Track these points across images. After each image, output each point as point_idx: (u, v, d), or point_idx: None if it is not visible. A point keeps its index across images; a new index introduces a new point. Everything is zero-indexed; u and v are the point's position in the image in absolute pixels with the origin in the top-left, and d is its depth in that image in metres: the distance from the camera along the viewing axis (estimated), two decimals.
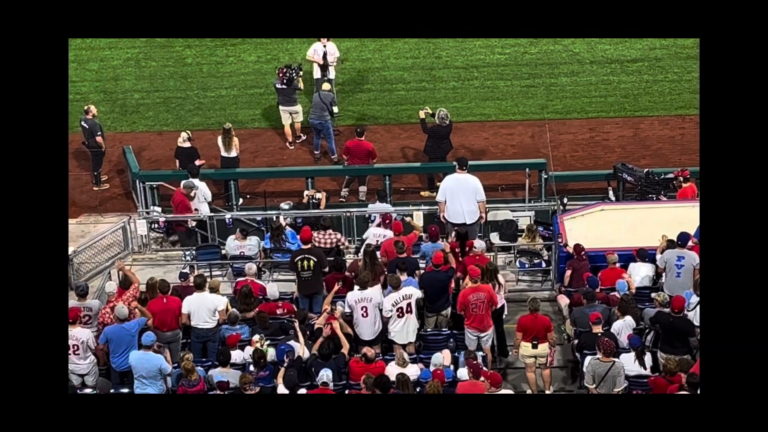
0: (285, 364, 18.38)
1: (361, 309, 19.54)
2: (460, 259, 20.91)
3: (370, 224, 23.08)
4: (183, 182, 23.54)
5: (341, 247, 22.36)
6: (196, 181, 23.59)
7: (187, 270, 21.82)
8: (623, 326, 19.13)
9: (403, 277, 19.87)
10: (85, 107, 25.96)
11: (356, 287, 19.80)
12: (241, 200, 25.13)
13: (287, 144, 27.16)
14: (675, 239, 20.37)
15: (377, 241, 21.77)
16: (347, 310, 19.64)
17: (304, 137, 27.15)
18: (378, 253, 20.90)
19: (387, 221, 22.22)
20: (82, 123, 25.75)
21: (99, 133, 25.58)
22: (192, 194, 23.42)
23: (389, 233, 21.94)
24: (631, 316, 19.26)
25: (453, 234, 21.64)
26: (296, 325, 19.09)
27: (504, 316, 20.46)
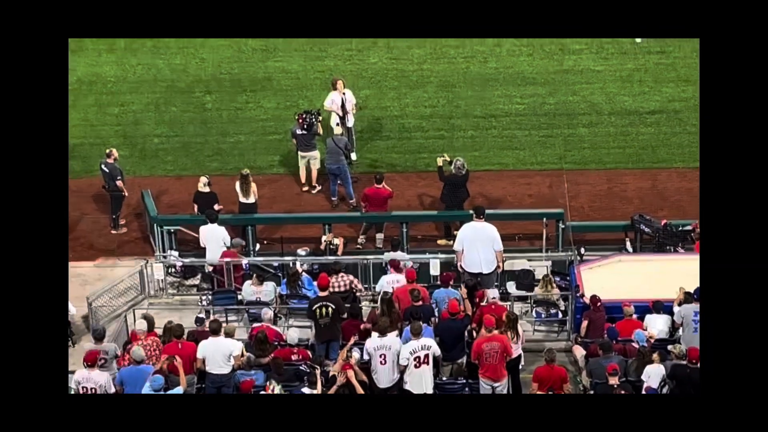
0: None
1: (380, 356, 19.48)
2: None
3: (387, 272, 23.09)
4: (232, 242, 23.66)
5: (356, 292, 22.36)
6: (215, 226, 23.67)
7: (203, 315, 21.87)
8: (656, 372, 19.00)
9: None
10: (107, 150, 26.06)
11: (375, 334, 19.76)
12: (258, 246, 25.16)
13: (301, 189, 27.24)
14: (692, 293, 20.34)
15: (391, 288, 21.76)
16: (365, 357, 19.61)
17: (319, 188, 27.21)
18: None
19: (397, 266, 22.22)
20: (103, 166, 25.86)
21: (119, 177, 25.67)
22: (242, 250, 23.72)
23: (401, 277, 21.97)
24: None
25: (462, 285, 21.60)
26: (317, 372, 19.07)
27: (520, 366, 20.39)
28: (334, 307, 20.76)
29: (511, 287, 23.09)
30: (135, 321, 21.48)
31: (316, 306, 20.80)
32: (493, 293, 21.08)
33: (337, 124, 27.00)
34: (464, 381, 19.82)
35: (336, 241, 24.32)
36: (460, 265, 22.54)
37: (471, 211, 23.18)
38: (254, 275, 22.71)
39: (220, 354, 19.65)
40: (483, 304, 20.95)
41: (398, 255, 23.23)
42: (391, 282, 21.99)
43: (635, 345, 19.86)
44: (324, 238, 24.40)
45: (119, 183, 25.67)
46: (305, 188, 27.25)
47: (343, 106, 27.35)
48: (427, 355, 19.35)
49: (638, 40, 32.18)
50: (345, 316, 20.88)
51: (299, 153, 27.03)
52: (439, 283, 22.33)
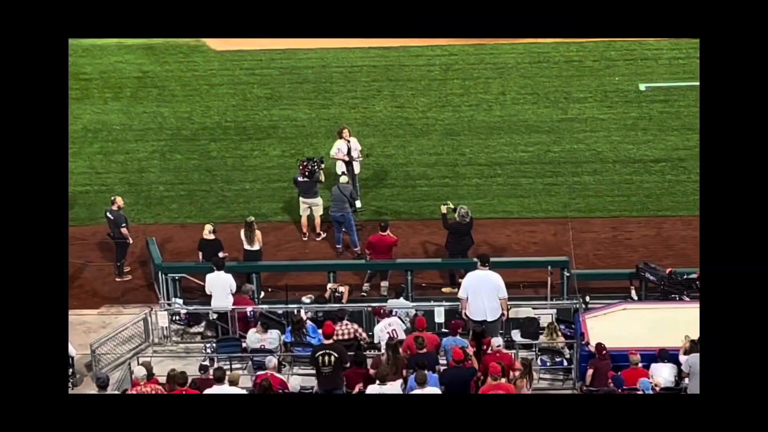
0: None
1: None
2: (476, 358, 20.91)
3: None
4: (242, 288, 23.79)
5: (360, 340, 22.31)
6: (221, 273, 23.66)
7: (207, 362, 21.80)
8: None
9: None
10: (112, 198, 26.10)
11: (376, 382, 19.71)
12: (262, 293, 25.14)
13: (302, 236, 27.24)
14: (697, 341, 20.27)
15: (388, 333, 21.76)
16: None
17: (324, 234, 27.22)
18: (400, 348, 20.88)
19: (381, 312, 22.18)
20: (108, 214, 25.88)
21: (124, 224, 25.67)
22: (252, 295, 23.77)
23: (392, 320, 21.96)
24: None
25: (470, 333, 21.57)
26: None
27: None
28: (336, 355, 20.70)
29: (515, 335, 23.04)
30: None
31: (319, 354, 20.75)
32: (497, 341, 21.04)
33: (343, 173, 27.06)
34: None
35: (341, 288, 24.30)
36: (465, 313, 22.50)
37: (475, 259, 23.17)
38: (259, 323, 22.68)
39: None
40: (488, 352, 20.91)
41: (399, 303, 23.22)
42: (385, 328, 21.99)
43: (640, 393, 19.76)
44: (329, 286, 24.38)
45: (124, 230, 25.66)
46: (305, 237, 27.24)
47: (349, 153, 27.42)
48: None
49: (642, 87, 32.30)
50: (348, 365, 20.82)
51: (301, 199, 27.08)
52: (445, 331, 22.30)
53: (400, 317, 22.61)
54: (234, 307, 23.30)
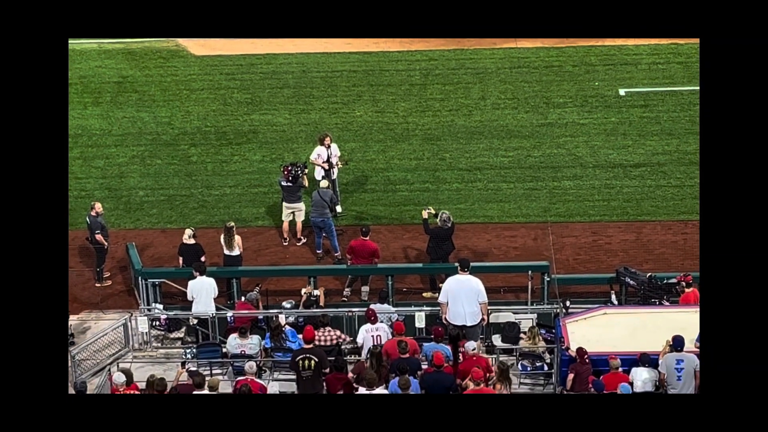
0: None
1: None
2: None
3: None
4: (247, 296, 23.84)
5: (342, 345, 22.29)
6: (204, 278, 23.60)
7: (191, 368, 21.74)
8: None
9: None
10: (91, 204, 25.99)
11: (362, 388, 19.68)
12: (243, 298, 25.07)
13: (282, 240, 27.20)
14: (672, 343, 20.35)
15: (372, 336, 21.74)
16: None
17: (304, 240, 27.19)
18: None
19: (371, 316, 22.19)
20: (87, 219, 25.82)
21: (97, 231, 25.52)
22: (256, 303, 23.73)
23: (381, 326, 22.00)
24: None
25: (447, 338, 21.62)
26: None
27: None
28: (317, 360, 20.69)
29: (496, 340, 23.06)
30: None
31: (299, 358, 20.76)
32: (471, 345, 21.06)
33: (323, 177, 27.05)
34: None
35: (316, 292, 24.25)
36: (445, 318, 22.51)
37: (456, 264, 23.18)
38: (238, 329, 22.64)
39: None
40: (467, 355, 20.92)
41: (384, 307, 23.20)
42: (370, 330, 21.98)
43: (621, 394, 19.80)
44: (303, 290, 24.31)
45: (98, 237, 25.55)
46: (285, 242, 27.21)
47: (328, 159, 27.41)
48: None
49: (622, 92, 32.39)
50: (328, 370, 20.81)
51: (284, 204, 27.05)
52: (426, 336, 22.30)
53: (384, 323, 22.62)
54: (239, 312, 23.28)
